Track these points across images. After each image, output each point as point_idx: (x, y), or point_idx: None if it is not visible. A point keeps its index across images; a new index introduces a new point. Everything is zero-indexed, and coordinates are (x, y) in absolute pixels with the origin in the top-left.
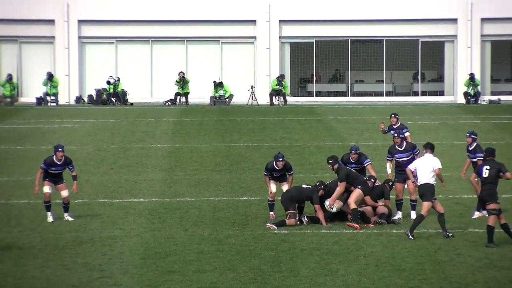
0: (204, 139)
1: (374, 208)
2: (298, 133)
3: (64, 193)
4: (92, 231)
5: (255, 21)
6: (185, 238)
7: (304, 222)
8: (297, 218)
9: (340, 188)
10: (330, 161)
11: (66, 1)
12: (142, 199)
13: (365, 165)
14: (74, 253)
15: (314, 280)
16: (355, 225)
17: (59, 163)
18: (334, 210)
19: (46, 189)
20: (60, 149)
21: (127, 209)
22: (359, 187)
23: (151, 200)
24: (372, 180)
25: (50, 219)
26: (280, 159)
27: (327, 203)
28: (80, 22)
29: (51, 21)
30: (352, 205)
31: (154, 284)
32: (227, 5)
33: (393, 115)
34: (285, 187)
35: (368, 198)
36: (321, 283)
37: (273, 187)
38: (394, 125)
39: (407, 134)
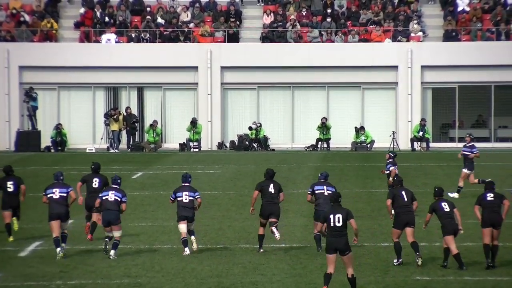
0: (346, 184)
1: None
2: (440, 178)
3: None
4: (234, 276)
5: (397, 67)
6: None
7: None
8: None
9: None
10: None
11: (210, 49)
12: (283, 245)
13: None
14: None
15: None
16: None
17: None
18: None
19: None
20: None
21: (269, 254)
22: None
23: (293, 245)
24: None
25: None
26: None
27: None
28: (223, 68)
29: (194, 68)
30: None
31: None
32: (367, 51)
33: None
34: None
35: None
36: None
37: None
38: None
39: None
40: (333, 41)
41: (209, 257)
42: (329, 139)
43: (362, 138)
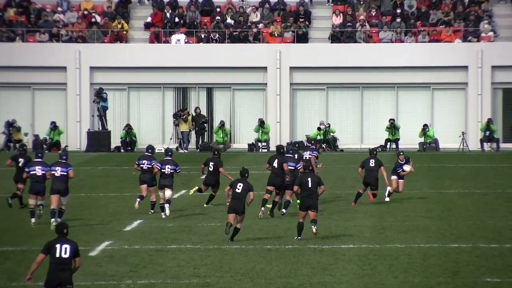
0: (415, 185)
1: None
2: (511, 179)
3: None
4: (302, 276)
5: (467, 67)
6: (395, 285)
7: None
8: None
9: None
10: None
11: (279, 49)
12: (352, 245)
13: None
14: None
15: None
16: None
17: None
18: None
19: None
20: None
21: (337, 255)
22: None
23: (361, 246)
24: None
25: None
26: None
27: None
28: (292, 69)
29: (263, 68)
30: None
31: None
32: (437, 51)
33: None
34: None
35: None
36: None
37: None
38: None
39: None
40: (403, 41)
41: (277, 257)
42: (398, 139)
43: (428, 135)
